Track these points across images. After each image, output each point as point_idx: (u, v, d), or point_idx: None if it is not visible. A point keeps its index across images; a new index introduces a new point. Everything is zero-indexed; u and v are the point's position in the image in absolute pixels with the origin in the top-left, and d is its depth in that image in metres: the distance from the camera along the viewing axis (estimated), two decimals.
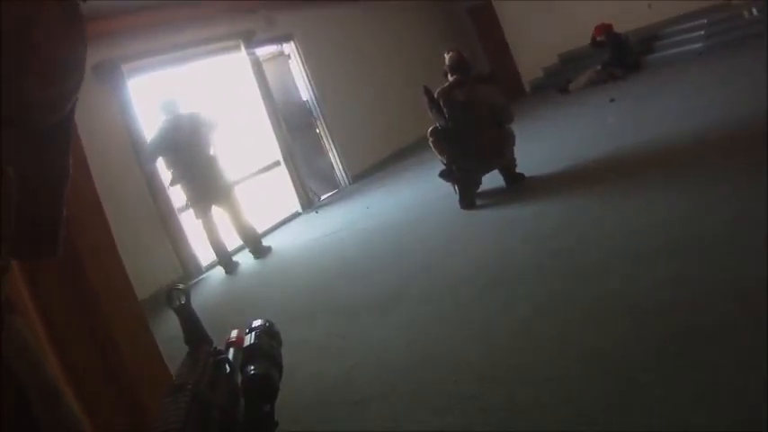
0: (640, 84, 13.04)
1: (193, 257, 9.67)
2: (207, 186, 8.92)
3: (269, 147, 11.90)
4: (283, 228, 11.31)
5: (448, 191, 8.40)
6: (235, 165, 10.16)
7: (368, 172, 13.36)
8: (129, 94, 9.44)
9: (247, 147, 11.58)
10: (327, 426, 4.19)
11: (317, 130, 13.08)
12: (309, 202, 12.00)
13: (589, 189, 7.24)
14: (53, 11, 1.05)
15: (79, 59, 1.14)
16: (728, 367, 3.24)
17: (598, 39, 14.96)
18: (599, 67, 14.74)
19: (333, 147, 13.07)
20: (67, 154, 1.22)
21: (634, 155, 7.94)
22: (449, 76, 8.21)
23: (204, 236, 9.22)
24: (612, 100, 11.81)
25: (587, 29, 15.06)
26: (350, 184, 13.08)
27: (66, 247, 1.27)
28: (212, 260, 9.61)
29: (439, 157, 8.24)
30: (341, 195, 12.53)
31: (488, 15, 17.43)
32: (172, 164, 8.90)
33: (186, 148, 8.77)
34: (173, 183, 9.01)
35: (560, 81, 15.72)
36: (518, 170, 8.28)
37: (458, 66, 8.18)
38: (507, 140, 8.08)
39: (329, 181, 13.01)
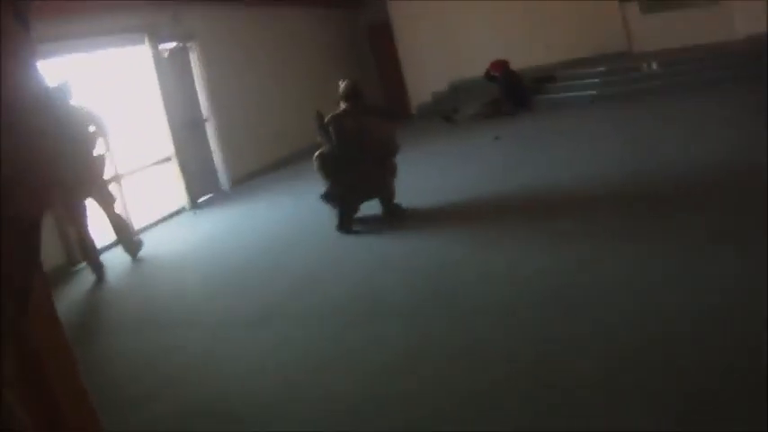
0: (528, 124, 13.24)
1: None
2: (84, 185, 8.50)
3: (161, 141, 11.91)
4: (165, 225, 11.27)
5: (327, 210, 8.55)
6: (125, 157, 10.14)
7: (251, 176, 13.44)
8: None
9: (140, 140, 11.60)
10: None
11: (207, 130, 13.10)
12: (194, 201, 12.03)
13: (466, 227, 7.52)
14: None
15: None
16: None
17: (492, 73, 15.17)
18: (488, 102, 14.98)
19: (219, 147, 13.11)
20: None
21: (514, 196, 8.26)
22: (341, 103, 8.40)
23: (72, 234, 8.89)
24: (497, 138, 11.97)
25: (483, 61, 15.32)
26: (231, 187, 13.10)
27: None
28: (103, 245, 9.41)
29: (323, 180, 8.43)
30: (221, 198, 12.55)
31: (386, 35, 17.68)
32: None
33: (70, 143, 8.27)
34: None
35: (447, 108, 15.92)
36: (396, 201, 8.51)
37: (351, 94, 8.38)
38: (390, 172, 8.36)
39: (211, 182, 13.00)
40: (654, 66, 13.60)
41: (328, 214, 8.51)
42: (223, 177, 13.20)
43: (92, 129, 8.70)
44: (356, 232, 8.23)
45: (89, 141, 8.68)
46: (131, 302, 7.74)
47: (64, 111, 8.43)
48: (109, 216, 8.92)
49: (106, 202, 8.88)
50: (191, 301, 7.30)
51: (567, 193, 7.98)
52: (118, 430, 4.51)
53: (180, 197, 12.00)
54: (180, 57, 12.68)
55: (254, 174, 13.56)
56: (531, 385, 4.02)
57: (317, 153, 8.41)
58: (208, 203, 12.29)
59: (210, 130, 13.09)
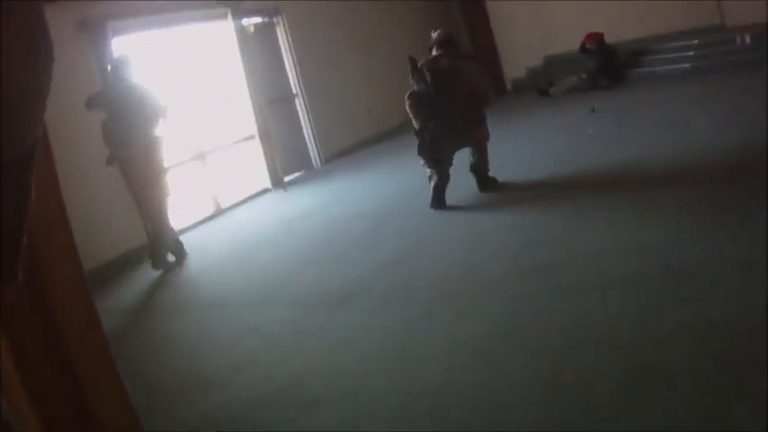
0: (624, 97, 12.92)
1: None
2: (142, 171, 7.99)
3: (245, 119, 11.75)
4: (250, 204, 11.12)
5: (419, 185, 8.33)
6: (207, 135, 10.02)
7: (342, 153, 13.20)
8: (111, 53, 9.20)
9: (223, 117, 11.46)
10: (275, 427, 4.13)
11: (296, 106, 12.89)
12: (279, 180, 11.82)
13: (562, 204, 7.20)
14: (10, 32, 0.95)
15: (40, 88, 1.03)
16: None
17: (587, 46, 14.87)
18: (584, 75, 14.69)
19: (309, 124, 12.89)
20: (26, 193, 1.11)
21: (612, 172, 7.90)
22: (434, 50, 8.17)
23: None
24: (593, 110, 11.70)
25: (577, 35, 14.97)
26: (322, 164, 12.89)
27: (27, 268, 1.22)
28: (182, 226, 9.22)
29: (413, 121, 8.07)
30: (312, 175, 12.35)
31: (478, 9, 17.31)
32: (108, 140, 7.96)
33: (122, 123, 7.81)
34: (109, 162, 8.03)
35: (543, 83, 15.64)
36: (491, 173, 8.25)
37: (445, 42, 8.18)
38: (482, 123, 8.10)
39: (301, 159, 12.82)
40: (747, 39, 13.13)
41: (421, 190, 8.24)
42: (314, 154, 12.94)
43: (148, 110, 8.01)
44: (449, 208, 7.95)
45: (143, 121, 7.97)
46: (209, 282, 7.68)
47: (117, 86, 8.01)
48: (152, 210, 8.27)
49: (157, 189, 8.24)
50: (271, 282, 7.09)
51: (664, 166, 7.59)
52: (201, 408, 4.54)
53: (264, 177, 11.80)
54: (266, 32, 12.49)
55: (346, 150, 13.31)
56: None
57: (409, 92, 8.10)
58: (298, 181, 12.07)
59: (300, 106, 12.85)
